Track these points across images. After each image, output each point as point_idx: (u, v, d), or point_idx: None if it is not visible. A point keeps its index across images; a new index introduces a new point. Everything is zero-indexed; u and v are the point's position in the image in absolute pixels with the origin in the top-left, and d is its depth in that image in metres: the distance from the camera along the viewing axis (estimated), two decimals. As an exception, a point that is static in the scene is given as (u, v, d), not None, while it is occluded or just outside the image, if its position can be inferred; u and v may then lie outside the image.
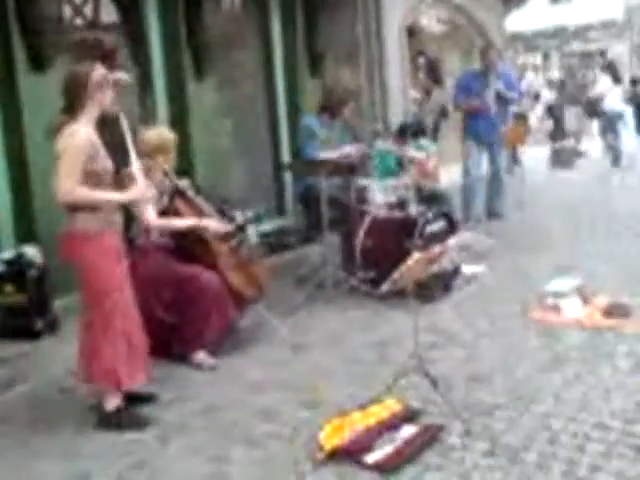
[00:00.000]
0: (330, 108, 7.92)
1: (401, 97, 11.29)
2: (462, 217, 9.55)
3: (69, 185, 4.43)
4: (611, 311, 6.11)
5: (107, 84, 4.62)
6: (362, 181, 7.58)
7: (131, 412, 4.80)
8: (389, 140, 8.79)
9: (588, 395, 4.71)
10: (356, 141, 7.92)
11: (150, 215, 5.47)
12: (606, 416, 4.40)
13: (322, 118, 7.92)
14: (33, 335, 6.17)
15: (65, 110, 4.57)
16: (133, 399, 4.90)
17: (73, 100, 4.55)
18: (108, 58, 6.98)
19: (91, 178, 4.50)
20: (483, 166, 10.31)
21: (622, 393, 4.71)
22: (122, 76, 4.85)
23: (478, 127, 9.92)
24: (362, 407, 4.54)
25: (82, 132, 4.48)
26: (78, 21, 7.57)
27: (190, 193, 5.88)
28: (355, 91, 8.72)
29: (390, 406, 4.52)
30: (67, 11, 7.27)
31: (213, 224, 5.81)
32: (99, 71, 4.61)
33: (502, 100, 9.91)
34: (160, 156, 5.67)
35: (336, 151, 7.48)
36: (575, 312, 6.21)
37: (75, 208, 4.54)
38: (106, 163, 4.62)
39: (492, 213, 10.36)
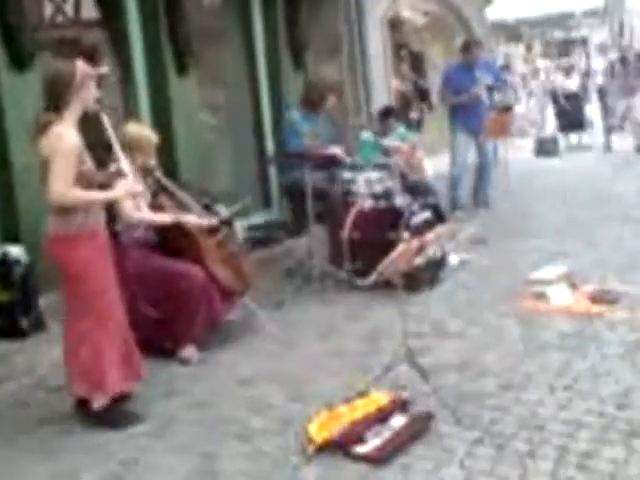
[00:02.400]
0: (312, 101, 7.96)
1: (384, 89, 11.28)
2: (449, 207, 9.57)
3: (64, 188, 4.38)
4: (599, 298, 6.12)
5: (91, 81, 4.57)
6: (347, 173, 7.57)
7: (121, 409, 4.76)
8: (373, 130, 8.77)
9: (578, 382, 4.72)
10: (340, 134, 7.92)
11: (131, 210, 5.44)
12: (596, 402, 4.40)
13: (305, 111, 7.93)
14: (19, 334, 6.13)
15: (48, 109, 4.51)
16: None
17: (57, 99, 4.49)
18: (89, 55, 6.94)
19: (81, 180, 4.45)
20: (470, 156, 10.32)
21: (612, 379, 4.72)
22: (103, 69, 4.80)
23: (467, 118, 9.89)
24: (352, 399, 4.53)
25: (70, 134, 4.43)
26: (59, 18, 7.51)
27: (174, 189, 5.85)
28: (337, 84, 8.70)
29: (380, 397, 4.51)
30: (48, 8, 7.21)
31: (194, 219, 5.79)
32: (82, 68, 4.56)
33: (490, 91, 9.93)
34: (139, 152, 5.64)
35: (320, 149, 7.47)
36: (563, 299, 6.21)
37: (64, 210, 4.49)
38: (89, 163, 4.58)
39: (479, 202, 10.35)
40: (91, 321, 4.61)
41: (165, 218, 5.66)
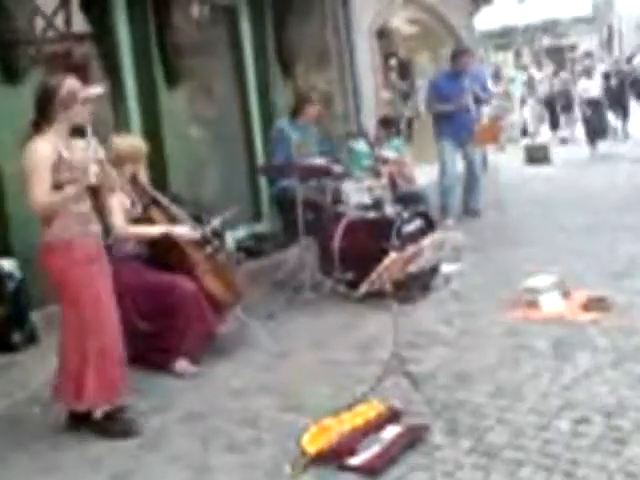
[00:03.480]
0: (295, 112, 8.03)
1: (373, 99, 11.30)
2: (439, 216, 9.58)
3: (39, 193, 4.39)
4: (591, 305, 6.12)
5: (79, 98, 4.53)
6: (337, 183, 7.59)
7: (120, 419, 4.75)
8: (365, 139, 8.80)
9: (571, 390, 4.72)
10: (330, 144, 7.96)
11: (123, 224, 5.43)
12: (589, 411, 4.40)
13: (295, 122, 7.97)
14: (11, 348, 6.12)
15: (34, 123, 4.52)
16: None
17: (41, 113, 4.50)
18: (80, 69, 6.96)
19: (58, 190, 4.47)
20: (458, 165, 10.34)
21: (605, 387, 4.72)
22: (95, 90, 4.76)
23: (453, 127, 9.91)
24: (345, 409, 4.52)
25: (43, 147, 4.43)
26: (50, 33, 7.53)
27: (164, 201, 5.85)
28: (316, 95, 8.74)
29: (373, 407, 4.50)
30: (39, 23, 7.22)
31: (184, 231, 5.78)
32: (69, 84, 4.54)
33: (477, 103, 9.96)
34: (128, 164, 5.64)
35: (306, 160, 7.50)
36: (555, 308, 6.22)
37: (45, 219, 4.51)
38: (74, 175, 4.50)
39: (469, 211, 10.38)
40: (73, 330, 4.61)
41: (155, 231, 5.65)
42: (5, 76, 6.54)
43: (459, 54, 10.26)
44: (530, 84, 21.54)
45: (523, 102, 20.62)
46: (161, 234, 5.64)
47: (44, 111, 4.49)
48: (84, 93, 4.59)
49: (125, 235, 5.53)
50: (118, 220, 5.39)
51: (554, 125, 19.86)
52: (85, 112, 4.57)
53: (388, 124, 9.07)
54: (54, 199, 4.45)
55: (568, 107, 19.30)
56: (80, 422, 4.75)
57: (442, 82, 10.25)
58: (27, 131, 4.53)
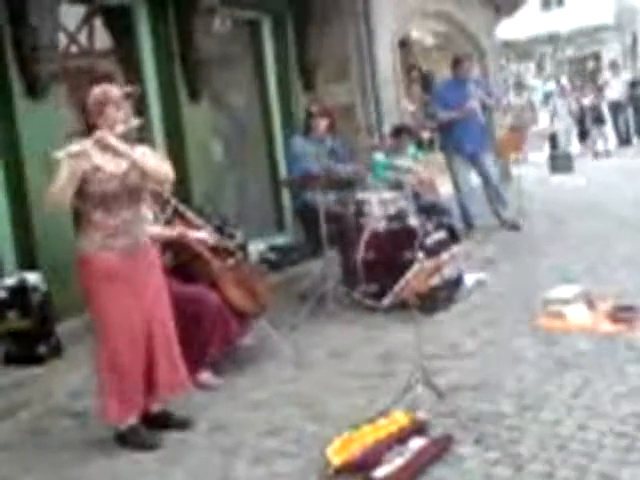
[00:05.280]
0: (307, 126, 8.07)
1: (395, 110, 11.29)
2: (462, 227, 9.52)
3: (51, 190, 4.39)
4: (617, 316, 6.05)
5: (107, 102, 4.57)
6: (360, 194, 7.59)
7: (144, 432, 4.76)
8: (384, 149, 8.79)
9: (597, 401, 4.67)
10: (352, 156, 7.97)
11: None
12: (616, 423, 4.35)
13: (309, 136, 8.02)
14: (37, 360, 6.14)
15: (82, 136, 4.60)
16: (166, 423, 4.92)
17: (85, 125, 4.57)
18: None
19: (91, 199, 4.48)
20: (472, 178, 10.18)
21: (632, 398, 4.66)
22: (129, 89, 4.79)
23: (460, 139, 9.73)
24: (369, 421, 4.50)
25: (70, 147, 4.46)
26: (73, 49, 7.59)
27: (188, 214, 5.86)
28: (343, 103, 8.76)
29: (398, 419, 4.47)
30: (62, 39, 7.28)
31: (201, 235, 5.77)
32: (96, 90, 4.59)
33: (483, 109, 9.85)
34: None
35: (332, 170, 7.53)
36: (580, 318, 6.17)
37: (78, 231, 4.55)
38: (108, 185, 4.53)
39: (504, 223, 10.10)
40: (100, 345, 4.65)
41: (170, 233, 5.62)
42: (28, 91, 6.59)
43: (460, 61, 10.10)
44: (562, 94, 21.22)
45: (554, 113, 20.35)
46: (177, 236, 5.61)
47: (85, 121, 4.55)
48: (113, 93, 4.62)
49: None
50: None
51: (582, 137, 19.68)
52: (120, 116, 4.59)
53: (399, 134, 9.01)
54: (56, 190, 4.38)
55: (599, 120, 19.16)
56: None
57: (445, 91, 10.13)
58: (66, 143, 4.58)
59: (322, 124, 8.11)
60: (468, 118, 9.63)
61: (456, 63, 10.17)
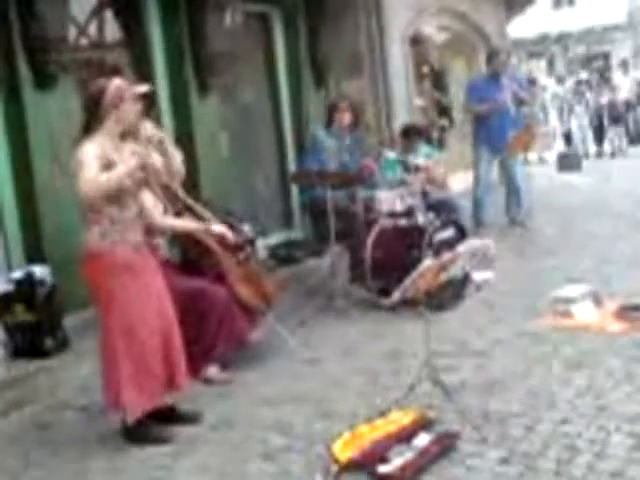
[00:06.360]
0: (328, 118, 8.05)
1: (406, 107, 11.27)
2: (472, 224, 9.50)
3: (89, 177, 4.31)
4: (625, 315, 6.05)
5: (126, 97, 4.56)
6: (368, 191, 7.57)
7: (153, 427, 4.75)
8: (395, 147, 8.77)
9: (604, 400, 4.66)
10: (364, 152, 7.98)
11: (161, 216, 5.38)
12: (624, 421, 4.34)
13: (330, 130, 8.00)
14: (43, 354, 6.14)
15: (84, 126, 4.55)
16: (172, 417, 4.90)
17: (91, 115, 4.53)
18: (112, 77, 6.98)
19: (110, 197, 4.46)
20: (493, 173, 10.19)
21: (638, 396, 4.64)
22: (142, 88, 4.78)
23: (490, 133, 9.74)
24: (376, 418, 4.51)
25: (90, 147, 4.42)
26: (83, 41, 7.58)
27: (197, 208, 5.85)
28: (355, 99, 8.73)
29: (404, 416, 4.48)
30: (71, 31, 7.27)
31: (223, 230, 5.74)
32: (116, 83, 4.57)
33: (516, 102, 9.81)
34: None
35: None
36: (588, 317, 6.16)
37: (86, 225, 4.52)
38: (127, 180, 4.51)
39: (513, 221, 10.14)
40: (108, 337, 4.62)
41: (193, 226, 5.59)
42: (37, 82, 6.59)
43: (495, 54, 10.09)
44: (577, 91, 21.01)
45: (570, 111, 20.19)
46: (197, 229, 5.60)
47: (94, 113, 4.51)
48: (131, 90, 4.61)
49: (163, 227, 5.46)
50: (156, 213, 5.33)
51: (598, 138, 19.51)
52: (134, 111, 4.60)
53: (408, 134, 8.96)
54: (104, 181, 4.34)
55: (616, 119, 19.06)
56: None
57: (480, 84, 10.08)
58: (77, 135, 4.55)
59: (346, 118, 8.09)
60: (501, 112, 9.60)
61: (490, 57, 10.15)
